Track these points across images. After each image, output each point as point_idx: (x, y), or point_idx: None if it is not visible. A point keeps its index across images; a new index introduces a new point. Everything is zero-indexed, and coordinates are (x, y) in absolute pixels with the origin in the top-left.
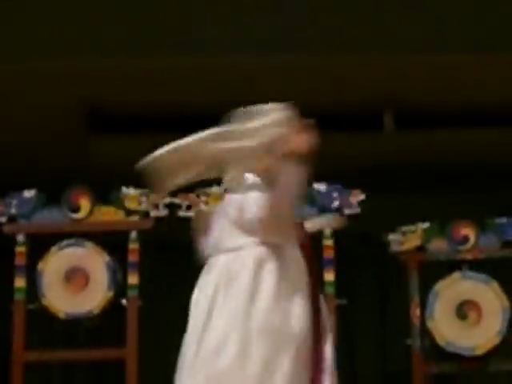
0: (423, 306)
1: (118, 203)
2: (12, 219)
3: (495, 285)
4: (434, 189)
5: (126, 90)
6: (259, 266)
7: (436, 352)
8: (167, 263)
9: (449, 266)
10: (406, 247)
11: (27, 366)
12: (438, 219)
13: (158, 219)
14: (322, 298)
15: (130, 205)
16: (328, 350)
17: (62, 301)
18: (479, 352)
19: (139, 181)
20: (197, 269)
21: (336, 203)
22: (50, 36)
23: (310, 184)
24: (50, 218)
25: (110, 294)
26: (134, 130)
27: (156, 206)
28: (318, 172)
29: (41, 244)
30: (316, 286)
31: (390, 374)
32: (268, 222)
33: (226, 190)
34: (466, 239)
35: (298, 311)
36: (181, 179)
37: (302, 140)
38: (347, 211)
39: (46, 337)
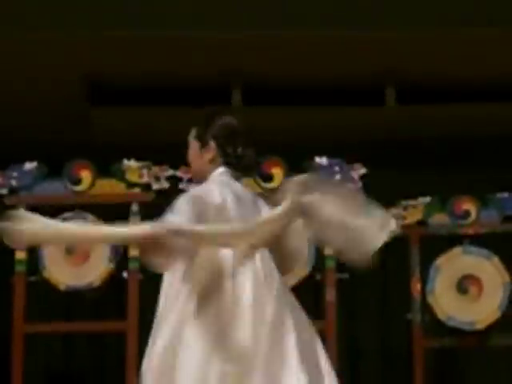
0: (424, 280)
1: (120, 176)
2: (13, 191)
3: (496, 260)
4: (435, 163)
5: (127, 63)
6: None
7: (436, 327)
8: None
9: (450, 241)
10: (407, 222)
11: (28, 338)
12: (439, 194)
13: (159, 192)
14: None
15: (132, 177)
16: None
17: (62, 273)
18: (480, 327)
19: (140, 153)
20: None
21: (337, 177)
22: (52, 9)
23: (311, 157)
24: (51, 190)
25: (111, 266)
26: (135, 103)
27: (157, 179)
28: (319, 146)
29: (42, 216)
30: None
31: (391, 348)
32: None
33: None
34: (467, 214)
35: None
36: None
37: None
38: (350, 186)
39: (47, 309)
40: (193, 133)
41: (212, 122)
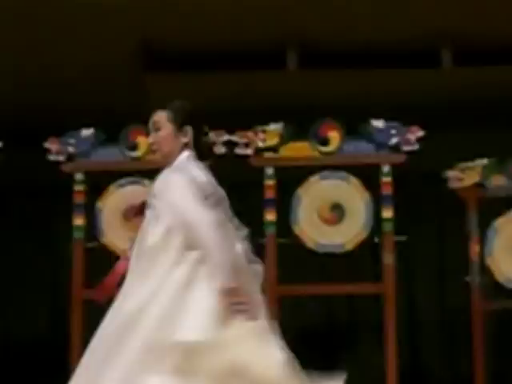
0: (482, 242)
1: None
2: (70, 158)
3: None
4: (492, 125)
5: (183, 29)
6: None
7: (495, 289)
8: None
9: (508, 203)
10: (464, 184)
11: (86, 304)
12: (497, 156)
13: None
14: None
15: None
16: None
17: (120, 239)
18: None
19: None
20: None
21: (394, 140)
22: None
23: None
24: (107, 156)
25: None
26: (190, 69)
27: (214, 144)
28: (375, 109)
29: (99, 182)
30: None
31: (449, 310)
32: None
33: None
34: None
35: None
36: None
37: None
38: (406, 148)
39: (106, 275)
40: (165, 115)
41: (186, 107)
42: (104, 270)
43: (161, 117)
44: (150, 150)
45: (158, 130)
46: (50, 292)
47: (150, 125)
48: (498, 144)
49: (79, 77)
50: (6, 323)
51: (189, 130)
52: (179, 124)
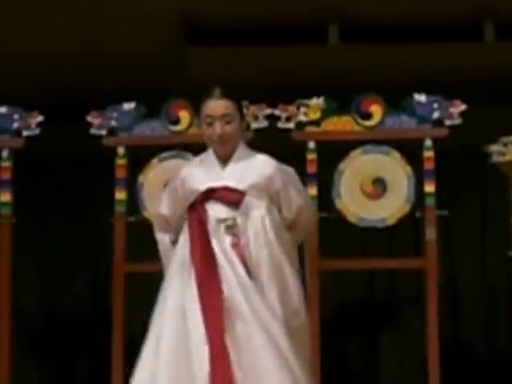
0: None
1: None
2: (112, 132)
3: None
4: None
5: (224, 3)
6: None
7: None
8: None
9: None
10: (507, 158)
11: (128, 277)
12: None
13: (257, 131)
14: None
15: None
16: None
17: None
18: None
19: (237, 93)
20: None
21: (436, 114)
22: None
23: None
24: (149, 130)
25: None
26: (232, 43)
27: (256, 118)
28: (417, 83)
29: (141, 156)
30: None
31: (491, 285)
32: None
33: None
34: None
35: None
36: None
37: None
38: (448, 122)
39: (147, 248)
40: (234, 107)
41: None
42: (145, 243)
43: (230, 108)
44: (215, 141)
45: (228, 122)
46: (91, 266)
47: (213, 112)
48: None
49: (121, 50)
50: (47, 298)
51: (245, 118)
52: (241, 114)
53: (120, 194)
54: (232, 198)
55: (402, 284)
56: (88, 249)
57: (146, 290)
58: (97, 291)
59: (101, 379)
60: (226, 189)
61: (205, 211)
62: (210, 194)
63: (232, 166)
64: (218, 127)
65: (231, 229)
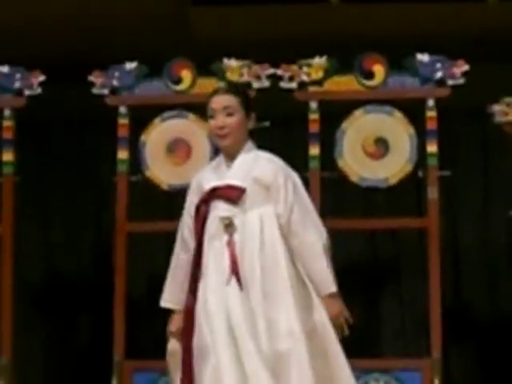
0: None
1: (220, 75)
2: (114, 91)
3: None
4: None
5: None
6: None
7: None
8: None
9: None
10: (510, 118)
11: (130, 237)
12: None
13: (259, 90)
14: None
15: (232, 76)
16: None
17: (164, 172)
18: None
19: (241, 52)
20: None
21: (439, 74)
22: None
23: (412, 54)
24: (151, 89)
25: None
26: (235, 2)
27: (258, 78)
28: (420, 43)
29: (143, 116)
30: None
31: (492, 244)
32: None
33: None
34: None
35: None
36: None
37: None
38: (450, 82)
39: (149, 208)
40: (237, 100)
41: (247, 91)
42: (147, 203)
43: (233, 101)
44: (217, 135)
45: (230, 114)
46: (93, 225)
47: (215, 105)
48: None
49: (123, 9)
50: (49, 257)
51: (253, 116)
52: (247, 109)
53: (122, 154)
54: (231, 194)
55: (403, 244)
56: (90, 208)
57: (147, 249)
58: (99, 250)
59: (103, 338)
60: (229, 187)
61: (207, 211)
62: (214, 193)
63: (237, 165)
64: (218, 119)
65: (228, 227)
